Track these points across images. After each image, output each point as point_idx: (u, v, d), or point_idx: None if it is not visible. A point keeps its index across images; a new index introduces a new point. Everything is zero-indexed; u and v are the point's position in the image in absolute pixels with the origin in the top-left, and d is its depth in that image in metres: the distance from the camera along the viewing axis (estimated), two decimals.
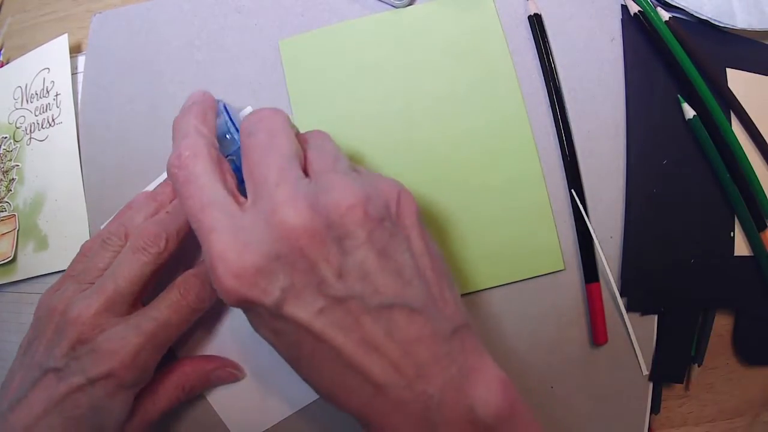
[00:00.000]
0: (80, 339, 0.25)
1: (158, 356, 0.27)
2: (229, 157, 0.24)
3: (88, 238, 0.34)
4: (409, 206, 0.22)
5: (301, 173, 0.22)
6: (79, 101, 0.36)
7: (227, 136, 0.25)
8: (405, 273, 0.21)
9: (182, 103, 0.35)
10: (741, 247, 0.33)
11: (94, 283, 0.27)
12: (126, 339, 0.25)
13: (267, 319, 0.21)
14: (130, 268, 0.26)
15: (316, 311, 0.20)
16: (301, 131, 0.34)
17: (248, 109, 0.34)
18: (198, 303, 0.28)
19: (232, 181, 0.23)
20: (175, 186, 0.23)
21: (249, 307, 0.21)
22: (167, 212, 0.28)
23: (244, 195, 0.22)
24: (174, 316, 0.27)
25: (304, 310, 0.20)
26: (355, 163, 0.25)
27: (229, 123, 0.25)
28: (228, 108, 0.26)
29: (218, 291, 0.20)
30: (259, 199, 0.21)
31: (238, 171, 0.24)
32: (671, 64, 0.34)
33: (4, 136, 0.37)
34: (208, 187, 0.21)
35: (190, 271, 0.28)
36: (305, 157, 0.23)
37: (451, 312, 0.22)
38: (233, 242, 0.20)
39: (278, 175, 0.21)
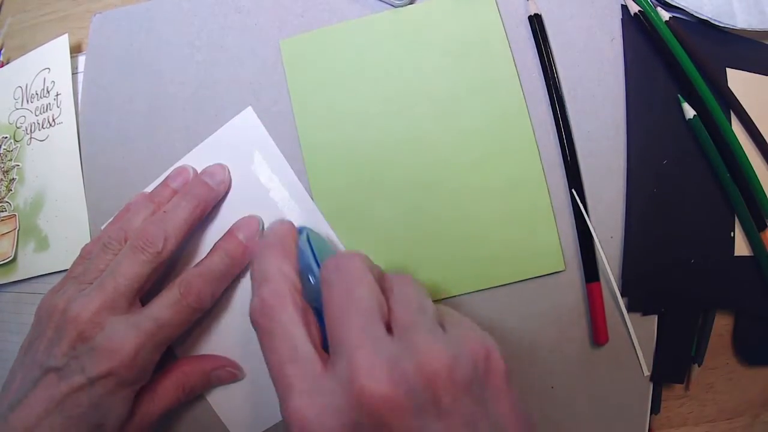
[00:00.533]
0: (80, 337, 0.25)
1: (158, 355, 0.27)
2: (314, 307, 0.22)
3: (88, 238, 0.34)
4: (497, 367, 0.21)
5: (382, 331, 0.20)
6: (79, 101, 0.36)
7: (310, 278, 0.23)
8: None
9: (182, 103, 0.35)
10: (741, 247, 0.33)
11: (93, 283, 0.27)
12: (126, 338, 0.25)
13: None
14: (129, 266, 0.26)
15: None
16: (303, 131, 0.34)
17: (247, 114, 0.33)
18: (198, 303, 0.28)
19: (317, 334, 0.21)
20: (257, 333, 0.22)
21: None
22: (165, 212, 0.28)
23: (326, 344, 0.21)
24: (174, 315, 0.27)
25: None
26: (440, 311, 0.23)
27: (313, 263, 0.23)
28: (311, 240, 0.24)
29: None
30: (339, 360, 0.20)
31: (320, 317, 0.22)
32: (671, 64, 0.34)
33: (5, 136, 0.37)
34: (293, 341, 0.20)
35: (191, 270, 0.28)
36: (389, 308, 0.22)
37: None
38: (311, 405, 0.19)
39: (357, 336, 0.20)
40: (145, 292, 0.28)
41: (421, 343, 0.19)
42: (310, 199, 0.33)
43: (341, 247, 0.32)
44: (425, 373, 0.19)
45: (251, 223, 0.31)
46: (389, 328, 0.21)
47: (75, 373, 0.25)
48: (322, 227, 0.32)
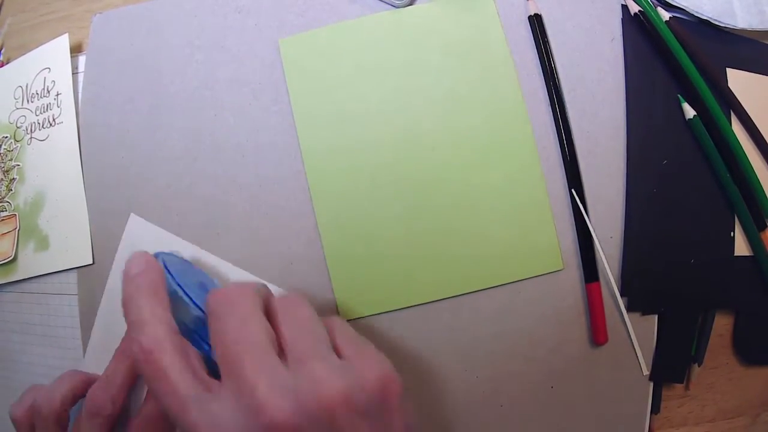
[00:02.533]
0: None
1: None
2: (188, 327, 0.23)
3: (88, 237, 0.34)
4: (394, 391, 0.22)
5: (277, 362, 0.21)
6: (79, 101, 0.36)
7: (177, 298, 0.24)
8: None
9: (182, 103, 0.35)
10: (741, 247, 0.33)
11: None
12: None
13: None
14: None
15: None
16: (303, 131, 0.34)
17: (134, 222, 0.33)
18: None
19: (200, 367, 0.22)
20: (146, 381, 0.22)
21: None
22: (107, 376, 0.29)
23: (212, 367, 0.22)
24: None
25: None
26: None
27: (178, 289, 0.24)
28: (169, 265, 0.25)
29: None
30: (238, 394, 0.21)
31: (198, 338, 0.23)
32: (671, 64, 0.34)
33: (5, 135, 0.37)
34: (179, 382, 0.21)
35: (136, 420, 0.29)
36: (279, 334, 0.23)
37: None
38: None
39: (254, 370, 0.20)
40: None
41: (318, 372, 0.21)
42: (238, 269, 0.33)
43: (206, 259, 0.33)
44: (324, 403, 0.20)
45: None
46: (282, 356, 0.22)
47: None
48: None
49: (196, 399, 0.21)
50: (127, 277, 0.25)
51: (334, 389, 0.20)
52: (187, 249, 0.33)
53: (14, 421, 0.30)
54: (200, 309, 0.24)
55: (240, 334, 0.21)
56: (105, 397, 0.28)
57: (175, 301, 0.24)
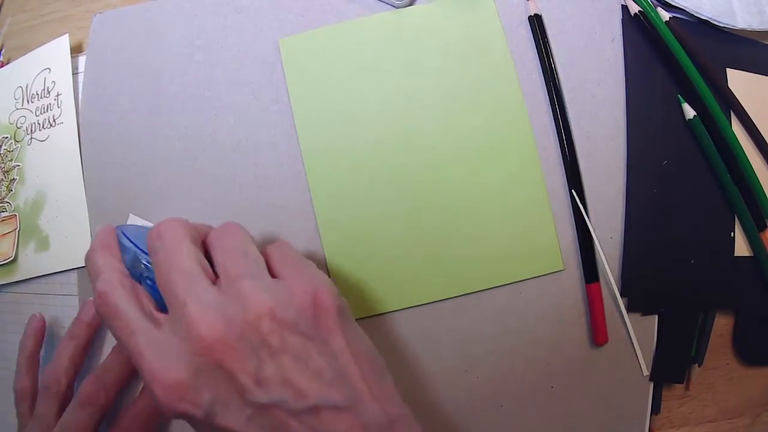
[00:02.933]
0: None
1: None
2: (144, 276, 0.25)
3: (88, 237, 0.34)
4: (326, 305, 0.23)
5: (207, 284, 0.22)
6: (79, 101, 0.36)
7: (128, 254, 0.26)
8: (325, 374, 0.21)
9: (182, 103, 0.35)
10: (741, 248, 0.33)
11: (53, 427, 0.30)
12: None
13: (206, 429, 0.22)
14: (78, 421, 0.29)
15: (244, 420, 0.21)
16: (303, 131, 0.34)
17: (133, 221, 0.35)
18: (147, 427, 0.31)
19: (149, 304, 0.24)
20: (105, 322, 0.24)
21: (186, 419, 0.22)
22: (102, 368, 0.31)
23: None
24: None
25: (233, 419, 0.21)
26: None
27: (131, 245, 0.26)
28: (125, 230, 0.27)
29: (157, 407, 0.21)
30: (174, 318, 0.22)
31: (155, 286, 0.25)
32: (671, 64, 0.34)
33: (5, 136, 0.37)
34: (128, 316, 0.22)
35: (125, 416, 0.31)
36: (214, 262, 0.24)
37: (383, 404, 0.22)
38: (158, 361, 0.21)
39: (184, 292, 0.22)
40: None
41: (245, 289, 0.22)
42: None
43: None
44: (250, 318, 0.21)
45: None
46: (216, 280, 0.23)
47: None
48: None
49: (143, 329, 0.22)
50: (90, 247, 0.26)
51: (259, 303, 0.21)
52: None
53: (16, 391, 0.32)
54: (147, 255, 0.25)
55: (171, 261, 0.23)
56: (98, 388, 0.30)
57: (127, 254, 0.25)
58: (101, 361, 0.33)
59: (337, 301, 0.23)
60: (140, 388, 0.33)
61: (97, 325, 0.33)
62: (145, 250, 0.25)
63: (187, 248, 0.23)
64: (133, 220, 0.34)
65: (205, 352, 0.21)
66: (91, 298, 0.33)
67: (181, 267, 0.23)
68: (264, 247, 0.25)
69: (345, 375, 0.22)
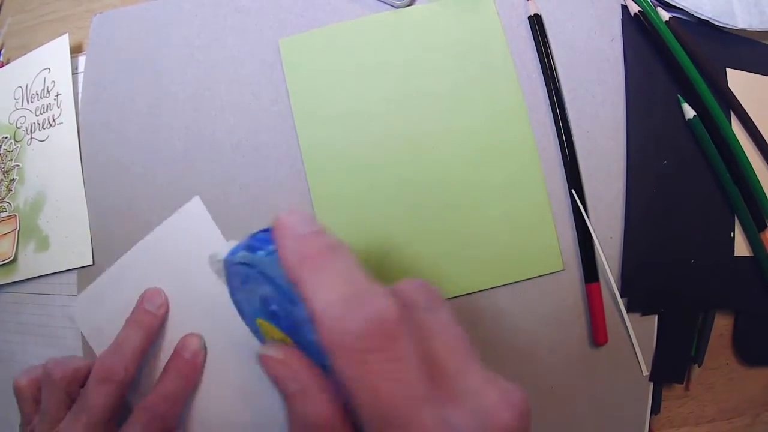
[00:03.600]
0: None
1: None
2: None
3: (88, 237, 0.34)
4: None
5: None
6: (79, 101, 0.36)
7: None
8: None
9: (182, 103, 0.35)
10: (741, 247, 0.33)
11: (62, 418, 0.28)
12: None
13: None
14: (96, 399, 0.28)
15: None
16: (303, 131, 0.34)
17: (195, 205, 0.33)
18: (165, 422, 0.29)
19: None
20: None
21: None
22: (119, 344, 0.30)
23: None
24: None
25: None
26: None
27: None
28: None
29: None
30: (468, 398, 0.18)
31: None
32: (671, 64, 0.34)
33: (5, 136, 0.37)
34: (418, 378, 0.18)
35: (151, 397, 0.29)
36: (430, 348, 0.19)
37: None
38: None
39: (479, 377, 0.19)
40: (120, 414, 0.29)
41: (491, 401, 0.18)
42: None
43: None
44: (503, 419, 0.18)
45: (192, 341, 0.32)
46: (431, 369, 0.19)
47: None
48: None
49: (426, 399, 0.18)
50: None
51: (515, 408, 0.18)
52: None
53: (17, 389, 0.30)
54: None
55: (457, 334, 0.20)
56: (116, 362, 0.28)
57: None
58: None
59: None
60: (162, 361, 0.31)
61: (165, 315, 0.32)
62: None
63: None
64: (197, 203, 0.33)
65: None
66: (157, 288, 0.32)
67: (467, 344, 0.19)
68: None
69: None
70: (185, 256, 0.33)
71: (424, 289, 0.21)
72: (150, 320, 0.32)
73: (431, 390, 0.18)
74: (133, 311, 0.32)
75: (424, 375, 0.18)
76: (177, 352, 0.32)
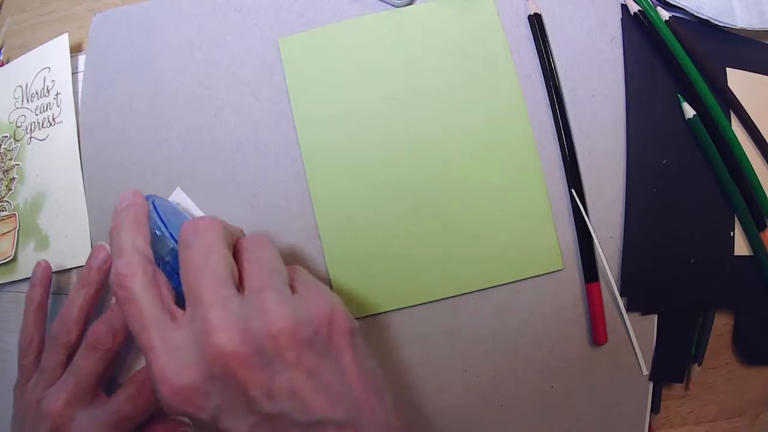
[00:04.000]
0: (54, 428, 0.28)
1: None
2: (165, 260, 0.24)
3: (88, 237, 0.34)
4: (340, 327, 0.23)
5: (233, 292, 0.22)
6: (79, 100, 0.36)
7: (157, 232, 0.25)
8: (332, 390, 0.22)
9: (182, 103, 0.35)
10: (741, 247, 0.33)
11: (59, 378, 0.30)
12: (92, 430, 0.28)
13: (206, 429, 0.22)
14: (85, 364, 0.29)
15: (247, 428, 0.21)
16: (303, 131, 0.34)
17: (177, 195, 0.34)
18: (154, 396, 0.29)
19: (168, 295, 0.24)
20: (118, 303, 0.24)
21: (189, 418, 0.22)
22: (112, 309, 0.31)
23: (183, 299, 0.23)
24: (133, 409, 0.29)
25: (237, 425, 0.21)
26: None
27: (161, 225, 0.25)
28: (158, 206, 0.26)
29: (161, 403, 0.22)
30: (194, 319, 0.22)
31: (174, 273, 0.24)
32: (671, 63, 0.34)
33: (5, 135, 0.37)
34: (145, 306, 0.23)
35: (143, 369, 0.30)
36: (242, 270, 0.24)
37: (382, 421, 0.23)
38: (170, 362, 0.21)
39: (211, 296, 0.22)
40: (107, 380, 0.31)
41: (269, 303, 0.22)
42: None
43: (197, 213, 0.34)
44: (271, 332, 0.21)
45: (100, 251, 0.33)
46: (241, 288, 0.23)
47: None
48: None
49: (158, 322, 0.22)
50: (116, 209, 0.26)
51: (281, 318, 0.21)
52: None
53: (22, 344, 0.32)
54: (176, 242, 0.24)
55: (202, 263, 0.23)
56: (106, 331, 0.30)
57: (156, 236, 0.25)
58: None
59: (351, 323, 0.24)
60: None
61: (108, 270, 0.32)
62: (175, 237, 0.24)
63: (223, 252, 0.23)
64: (179, 194, 0.34)
65: (220, 361, 0.21)
66: (102, 243, 0.33)
67: (213, 270, 0.22)
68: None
69: (350, 392, 0.22)
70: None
71: (192, 226, 0.24)
72: (92, 276, 0.32)
73: (165, 316, 0.22)
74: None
75: (159, 306, 0.23)
76: (87, 264, 0.32)
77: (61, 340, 0.30)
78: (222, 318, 0.21)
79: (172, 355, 0.21)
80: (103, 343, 0.29)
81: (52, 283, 0.33)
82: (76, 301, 0.31)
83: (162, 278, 0.24)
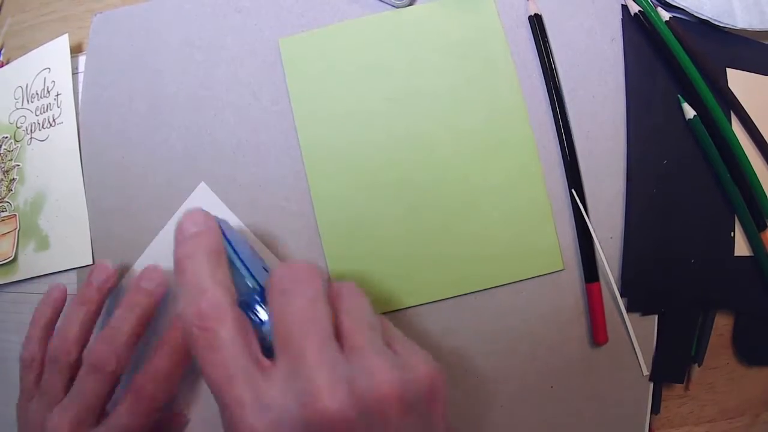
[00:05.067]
0: None
1: None
2: (241, 299, 0.22)
3: (88, 237, 0.34)
4: (442, 394, 0.22)
5: (337, 350, 0.21)
6: (79, 101, 0.36)
7: (235, 267, 0.23)
8: None
9: (182, 103, 0.35)
10: (741, 247, 0.33)
11: (62, 399, 0.28)
12: None
13: None
14: (90, 387, 0.28)
15: None
16: (303, 131, 0.34)
17: (202, 191, 0.33)
18: (154, 404, 0.29)
19: (256, 344, 0.22)
20: (193, 346, 0.21)
21: None
22: (112, 328, 0.29)
23: (265, 346, 0.22)
24: (134, 420, 0.28)
25: None
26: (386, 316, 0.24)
27: (236, 258, 0.22)
28: (227, 233, 0.23)
29: None
30: (295, 376, 0.20)
31: (249, 314, 0.22)
32: (671, 64, 0.34)
33: (5, 135, 0.37)
34: (234, 355, 0.20)
35: (140, 376, 0.29)
36: (339, 322, 0.22)
37: None
38: (262, 419, 0.19)
39: (318, 355, 0.20)
40: (110, 401, 0.29)
41: (375, 365, 0.20)
42: (280, 262, 0.33)
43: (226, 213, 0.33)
44: (378, 396, 0.20)
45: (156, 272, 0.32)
46: (339, 342, 0.21)
47: None
48: None
49: (248, 375, 0.20)
50: (183, 235, 0.23)
51: (390, 382, 0.20)
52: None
53: (23, 361, 0.30)
54: (255, 280, 0.22)
55: (306, 315, 0.21)
56: (108, 352, 0.28)
57: (236, 277, 0.22)
58: None
59: (446, 387, 0.22)
60: (154, 345, 0.31)
61: (109, 290, 0.31)
62: (252, 272, 0.22)
63: (326, 305, 0.21)
64: (204, 189, 0.33)
65: (324, 424, 0.19)
66: (103, 261, 0.31)
67: (319, 327, 0.21)
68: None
69: None
70: None
71: (291, 272, 0.22)
72: (145, 302, 0.30)
73: (255, 368, 0.20)
74: (129, 290, 0.31)
75: (248, 355, 0.20)
76: (174, 327, 0.30)
77: (62, 360, 0.29)
78: (329, 380, 0.19)
79: (265, 413, 0.19)
80: (106, 365, 0.28)
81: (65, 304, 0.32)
82: (75, 319, 0.30)
83: (249, 326, 0.22)
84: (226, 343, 0.20)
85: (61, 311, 0.32)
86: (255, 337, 0.22)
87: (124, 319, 0.29)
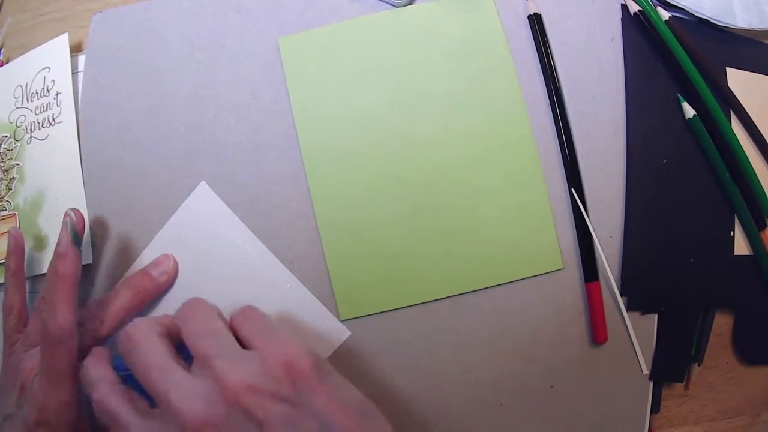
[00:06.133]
0: (22, 388, 0.28)
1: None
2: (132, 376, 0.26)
3: (88, 237, 0.34)
4: (300, 367, 0.23)
5: (181, 373, 0.23)
6: (79, 100, 0.36)
7: (118, 364, 0.27)
8: None
9: (182, 102, 0.35)
10: (741, 247, 0.33)
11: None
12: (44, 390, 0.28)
13: None
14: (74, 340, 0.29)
15: None
16: (303, 131, 0.34)
17: (202, 190, 0.34)
18: (100, 330, 0.30)
19: (141, 402, 0.24)
20: (106, 426, 0.24)
21: None
22: (106, 296, 0.31)
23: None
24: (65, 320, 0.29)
25: None
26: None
27: (116, 354, 0.26)
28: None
29: None
30: (162, 411, 0.23)
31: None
32: (671, 63, 0.34)
33: (5, 134, 0.37)
34: (124, 416, 0.23)
35: (94, 301, 0.31)
36: (187, 345, 0.24)
37: None
38: None
39: (163, 385, 0.22)
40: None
41: (218, 369, 0.22)
42: (279, 263, 0.33)
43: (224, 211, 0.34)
44: (230, 396, 0.21)
45: (165, 260, 0.34)
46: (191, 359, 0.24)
47: (20, 419, 0.27)
48: (299, 291, 0.33)
49: (139, 425, 0.23)
50: (84, 362, 0.27)
51: (235, 380, 0.22)
52: (239, 229, 0.34)
53: (5, 308, 0.32)
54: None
55: (144, 360, 0.24)
56: (96, 312, 0.30)
57: (116, 361, 0.27)
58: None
59: (311, 359, 0.23)
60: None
61: (165, 284, 0.33)
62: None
63: (156, 344, 0.24)
64: (204, 188, 0.34)
65: None
66: (170, 254, 0.34)
67: (154, 363, 0.23)
68: (231, 317, 0.26)
69: (334, 429, 0.22)
70: (204, 238, 0.34)
71: (131, 330, 0.25)
72: (146, 283, 0.32)
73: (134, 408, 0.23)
74: (135, 273, 0.33)
75: (125, 399, 0.24)
76: (144, 270, 0.33)
77: (87, 326, 0.30)
78: (179, 398, 0.22)
79: None
80: (91, 322, 0.30)
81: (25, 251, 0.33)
82: (118, 298, 0.31)
83: (131, 392, 0.25)
84: (116, 411, 0.24)
85: (23, 256, 0.33)
86: (139, 397, 0.25)
87: (118, 293, 0.31)
